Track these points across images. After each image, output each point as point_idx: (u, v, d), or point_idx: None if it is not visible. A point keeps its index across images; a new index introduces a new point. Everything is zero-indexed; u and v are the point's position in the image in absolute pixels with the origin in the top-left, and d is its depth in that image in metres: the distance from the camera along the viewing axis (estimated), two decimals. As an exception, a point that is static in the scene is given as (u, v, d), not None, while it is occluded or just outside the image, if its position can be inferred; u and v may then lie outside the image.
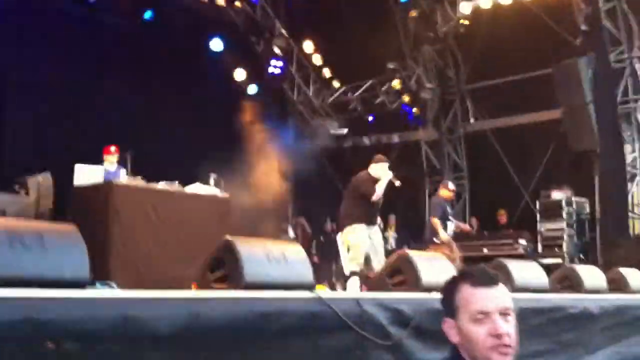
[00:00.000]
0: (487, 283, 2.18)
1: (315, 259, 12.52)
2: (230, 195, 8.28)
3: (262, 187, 10.60)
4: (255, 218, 9.33)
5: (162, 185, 7.59)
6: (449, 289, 2.24)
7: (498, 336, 2.10)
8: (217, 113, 13.44)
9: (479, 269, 2.27)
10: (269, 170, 12.72)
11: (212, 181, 8.92)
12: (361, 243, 7.74)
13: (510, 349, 2.11)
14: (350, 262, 7.74)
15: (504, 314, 2.14)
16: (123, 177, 8.06)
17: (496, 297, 2.16)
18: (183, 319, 3.02)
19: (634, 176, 12.73)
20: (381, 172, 7.94)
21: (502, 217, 13.60)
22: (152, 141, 11.05)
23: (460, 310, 2.17)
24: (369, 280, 7.04)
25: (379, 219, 8.51)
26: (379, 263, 7.63)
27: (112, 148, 8.69)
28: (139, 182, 7.63)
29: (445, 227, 9.85)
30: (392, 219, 14.17)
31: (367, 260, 7.74)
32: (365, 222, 7.84)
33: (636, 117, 12.97)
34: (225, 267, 3.92)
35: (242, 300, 3.40)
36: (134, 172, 8.30)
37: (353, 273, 7.56)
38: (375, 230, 8.06)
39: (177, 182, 7.89)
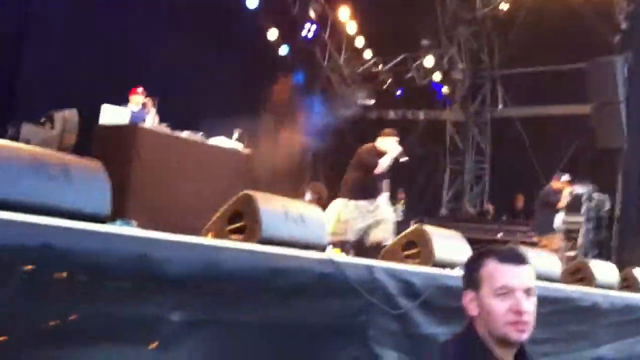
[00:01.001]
0: (514, 261, 2.20)
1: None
2: (252, 151, 8.29)
3: (284, 148, 10.60)
4: (275, 177, 9.33)
5: (186, 134, 7.61)
6: (475, 261, 2.26)
7: (519, 313, 2.13)
8: (247, 70, 13.39)
9: (507, 247, 2.29)
10: (293, 133, 12.72)
11: (235, 136, 8.94)
12: (353, 221, 7.56)
13: (528, 326, 2.16)
14: (333, 234, 7.39)
15: (527, 293, 2.17)
16: (149, 121, 8.08)
17: (522, 275, 2.19)
18: (197, 264, 3.03)
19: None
20: (389, 146, 7.76)
21: (519, 201, 13.54)
22: (180, 90, 11.03)
23: (484, 283, 2.19)
24: (383, 251, 7.04)
25: (386, 192, 8.32)
26: (381, 232, 7.54)
27: (139, 89, 8.69)
28: (163, 128, 7.66)
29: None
30: (402, 193, 14.14)
31: (366, 233, 7.60)
32: (362, 198, 7.68)
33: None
34: (242, 220, 3.94)
35: (257, 254, 3.41)
36: (159, 119, 8.32)
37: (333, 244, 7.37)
38: (376, 203, 7.81)
39: (201, 133, 7.91)
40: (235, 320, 3.22)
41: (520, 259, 2.22)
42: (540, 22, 13.75)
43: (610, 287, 6.11)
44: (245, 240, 3.77)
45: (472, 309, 2.24)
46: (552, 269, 5.65)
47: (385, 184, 8.29)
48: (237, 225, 3.97)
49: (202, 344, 3.03)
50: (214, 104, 11.38)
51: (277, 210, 4.00)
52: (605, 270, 6.36)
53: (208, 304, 3.09)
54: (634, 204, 12.05)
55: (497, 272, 2.19)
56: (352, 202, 7.66)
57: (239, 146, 8.36)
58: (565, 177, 10.42)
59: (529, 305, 2.16)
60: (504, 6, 14.66)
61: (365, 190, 7.74)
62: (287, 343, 3.52)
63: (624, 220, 12.22)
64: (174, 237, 3.08)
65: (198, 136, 7.70)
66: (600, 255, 11.50)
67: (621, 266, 6.80)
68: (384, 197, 8.08)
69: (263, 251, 3.50)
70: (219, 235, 3.97)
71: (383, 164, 7.67)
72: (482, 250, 2.31)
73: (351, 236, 7.54)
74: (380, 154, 7.74)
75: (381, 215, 7.78)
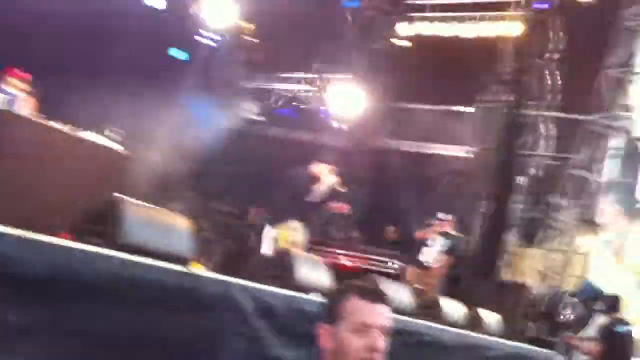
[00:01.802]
0: (375, 299, 2.25)
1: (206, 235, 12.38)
2: (129, 153, 8.04)
3: (164, 153, 10.38)
4: (149, 182, 9.13)
5: (55, 124, 7.25)
6: (336, 295, 2.29)
7: (373, 351, 2.17)
8: (136, 71, 12.95)
9: (370, 283, 2.33)
10: (175, 139, 12.48)
11: (109, 133, 8.62)
12: (301, 241, 7.47)
13: None
14: None
15: (383, 332, 2.22)
16: (20, 106, 7.69)
17: (381, 314, 2.24)
18: (43, 265, 2.91)
19: (512, 225, 13.36)
20: (324, 173, 7.73)
21: (390, 233, 13.88)
22: (57, 77, 10.52)
23: (343, 318, 2.22)
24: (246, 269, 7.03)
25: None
26: None
27: (17, 72, 8.31)
28: (32, 114, 7.30)
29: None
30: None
31: None
32: (299, 219, 7.60)
33: (529, 171, 13.62)
34: (104, 223, 3.84)
35: (115, 260, 3.33)
36: (33, 106, 7.95)
37: None
38: (305, 230, 7.76)
39: (72, 125, 7.57)
40: (81, 327, 3.10)
41: (381, 298, 2.27)
42: (434, 62, 14.29)
43: (456, 325, 6.39)
44: (104, 244, 3.67)
45: (326, 342, 2.25)
46: (405, 302, 5.85)
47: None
48: (98, 227, 3.87)
49: (40, 350, 2.90)
50: (93, 98, 10.93)
51: (141, 216, 3.93)
52: (453, 308, 6.65)
53: (53, 308, 2.97)
54: (488, 247, 12.71)
55: (357, 308, 2.22)
56: (296, 223, 7.54)
57: (113, 145, 8.10)
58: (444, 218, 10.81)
59: (383, 344, 2.20)
60: (401, 42, 15.16)
61: (303, 215, 7.66)
62: (135, 356, 3.45)
63: (477, 261, 12.83)
64: (21, 233, 2.93)
65: (69, 128, 7.37)
66: (451, 293, 11.99)
67: (468, 305, 7.12)
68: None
69: (120, 257, 3.42)
70: (76, 236, 3.85)
71: (317, 192, 7.66)
72: (345, 285, 2.33)
73: None
74: (315, 179, 7.71)
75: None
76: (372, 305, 2.23)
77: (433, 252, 10.19)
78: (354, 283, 2.35)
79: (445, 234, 10.24)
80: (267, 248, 7.83)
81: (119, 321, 3.29)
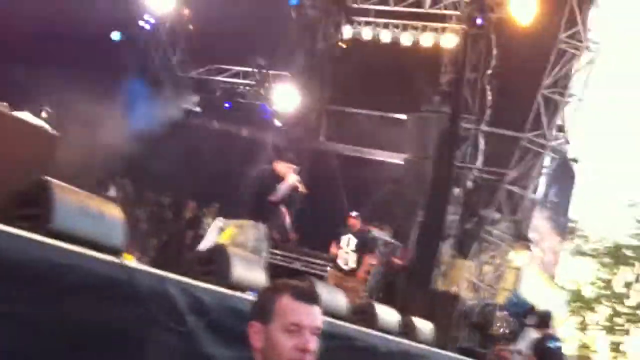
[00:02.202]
0: (308, 300, 2.21)
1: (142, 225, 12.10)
2: (61, 135, 7.73)
3: (98, 137, 10.07)
4: (82, 167, 8.81)
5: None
6: (269, 294, 2.23)
7: (304, 351, 2.14)
8: (72, 48, 12.54)
9: (303, 284, 2.28)
10: (110, 123, 12.12)
11: (44, 114, 8.32)
12: (248, 243, 7.17)
13: None
14: None
15: (314, 333, 2.17)
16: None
17: (313, 315, 2.21)
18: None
19: (448, 236, 13.57)
20: (287, 172, 7.47)
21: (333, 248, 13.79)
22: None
23: (275, 317, 2.17)
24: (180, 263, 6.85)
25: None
26: None
27: None
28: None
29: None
30: (214, 207, 13.99)
31: None
32: (258, 216, 7.35)
33: (466, 185, 13.85)
34: (34, 207, 3.63)
35: (45, 246, 3.15)
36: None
37: None
38: (262, 231, 7.48)
39: (5, 103, 7.24)
40: (6, 313, 2.94)
41: (314, 298, 2.24)
42: (374, 68, 14.38)
43: (390, 332, 6.38)
44: (33, 229, 3.46)
45: (257, 341, 2.22)
46: (339, 306, 5.79)
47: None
48: (27, 212, 3.66)
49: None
50: (28, 77, 10.53)
51: (74, 202, 3.74)
52: (387, 314, 6.64)
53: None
54: (423, 256, 12.84)
55: (290, 308, 2.18)
56: (247, 223, 7.28)
57: (46, 126, 7.78)
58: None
59: (314, 345, 2.18)
60: (342, 45, 15.21)
61: (257, 213, 7.37)
62: (57, 345, 3.27)
63: (412, 270, 12.98)
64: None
65: (2, 106, 7.03)
66: (385, 300, 12.07)
67: (402, 313, 7.14)
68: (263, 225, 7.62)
69: (50, 244, 3.24)
70: (4, 219, 3.63)
71: (279, 193, 7.35)
72: (278, 284, 2.30)
73: None
74: (277, 178, 7.40)
75: (266, 246, 7.56)
76: (305, 306, 2.21)
77: (345, 254, 10.00)
78: (288, 282, 2.31)
79: (354, 233, 10.11)
80: (209, 241, 7.65)
81: (44, 309, 3.12)
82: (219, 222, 7.70)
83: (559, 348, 8.72)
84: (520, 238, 13.25)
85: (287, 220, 8.70)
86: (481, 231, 13.33)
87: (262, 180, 7.57)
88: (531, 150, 13.43)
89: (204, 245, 7.73)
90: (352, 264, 10.26)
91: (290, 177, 7.51)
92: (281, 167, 7.61)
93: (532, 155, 13.47)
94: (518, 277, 13.63)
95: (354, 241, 10.25)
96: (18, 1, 11.21)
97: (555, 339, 8.83)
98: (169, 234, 12.45)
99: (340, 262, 10.25)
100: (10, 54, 10.55)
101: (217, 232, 7.59)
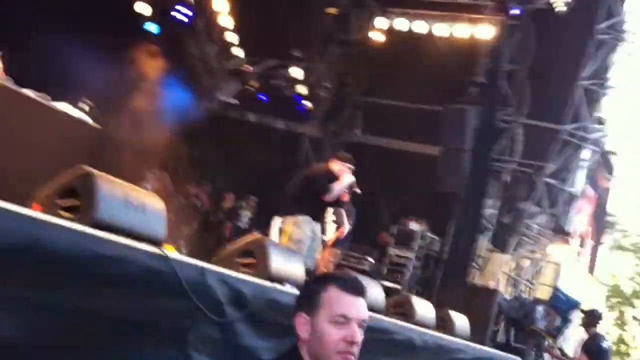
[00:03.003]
0: (355, 291, 2.22)
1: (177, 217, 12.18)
2: (103, 128, 7.84)
3: (138, 130, 10.16)
4: (123, 159, 8.88)
5: (29, 92, 7.03)
6: (316, 285, 2.23)
7: (351, 343, 2.15)
8: (109, 40, 12.66)
9: (350, 276, 2.28)
10: (149, 117, 12.24)
11: (84, 106, 8.41)
12: (305, 239, 7.17)
13: (355, 357, 2.15)
14: None
15: (361, 325, 2.17)
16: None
17: (360, 307, 2.21)
18: (19, 236, 2.77)
19: (486, 230, 13.44)
20: (341, 171, 7.40)
21: (383, 237, 13.68)
22: (34, 48, 10.22)
23: (322, 308, 2.18)
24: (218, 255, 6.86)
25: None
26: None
27: None
28: (5, 81, 7.03)
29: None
30: (252, 200, 14.09)
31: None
32: (311, 215, 7.29)
33: (504, 178, 13.69)
34: (77, 198, 3.68)
35: (88, 237, 3.19)
36: (5, 72, 7.67)
37: None
38: (318, 228, 7.49)
39: (45, 94, 7.35)
40: (51, 303, 2.99)
41: (361, 291, 2.26)
42: (410, 57, 14.27)
43: (427, 326, 6.35)
44: (78, 220, 3.51)
45: (303, 332, 2.23)
46: (377, 300, 5.78)
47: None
48: (71, 202, 3.70)
49: (8, 324, 2.78)
50: (68, 69, 10.62)
51: (116, 193, 3.77)
52: (424, 308, 6.61)
53: (22, 282, 2.84)
54: (461, 249, 12.75)
55: (337, 300, 2.19)
56: (302, 218, 7.23)
57: (88, 118, 7.89)
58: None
59: (360, 337, 2.19)
60: (378, 36, 15.11)
61: (313, 211, 7.34)
62: (102, 334, 3.33)
63: (449, 264, 12.89)
64: (-1, 204, 2.80)
65: (43, 96, 7.13)
66: (422, 293, 12.03)
67: (439, 307, 7.10)
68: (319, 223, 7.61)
69: (93, 234, 3.28)
70: (47, 209, 3.68)
71: (334, 192, 7.25)
72: (325, 275, 2.31)
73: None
74: (332, 177, 7.32)
75: (318, 246, 7.51)
76: (352, 298, 2.22)
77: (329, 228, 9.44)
78: (334, 274, 2.33)
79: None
80: (274, 237, 7.57)
81: (90, 299, 3.17)
82: (277, 221, 7.59)
83: (610, 348, 8.62)
84: (560, 232, 13.07)
85: (347, 222, 8.62)
86: (519, 225, 13.17)
87: (316, 178, 7.46)
88: (570, 142, 13.22)
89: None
90: (332, 234, 9.64)
91: (345, 177, 7.41)
92: (336, 166, 7.53)
93: (571, 148, 13.26)
94: (557, 272, 13.45)
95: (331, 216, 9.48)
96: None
97: (604, 338, 8.72)
98: (207, 225, 12.52)
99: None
100: (44, 37, 10.60)
101: (278, 233, 7.50)
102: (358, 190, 7.59)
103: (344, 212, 8.92)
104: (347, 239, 9.21)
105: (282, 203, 7.71)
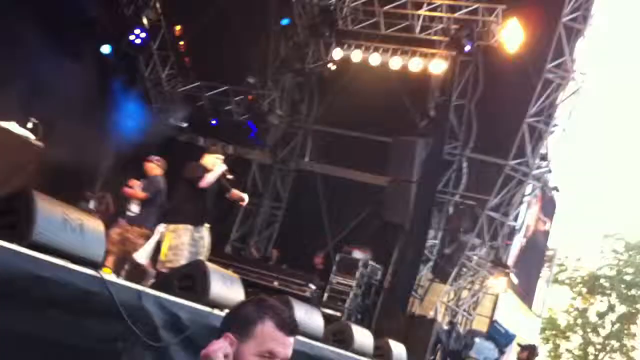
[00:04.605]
0: (289, 331, 2.24)
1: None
2: (45, 146, 7.75)
3: (82, 149, 10.05)
4: (63, 177, 8.78)
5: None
6: (252, 313, 2.24)
7: None
8: (60, 60, 12.53)
9: (287, 314, 2.29)
10: (95, 136, 12.10)
11: (30, 125, 8.32)
12: (183, 246, 7.35)
13: None
14: (165, 262, 7.29)
15: None
16: None
17: (289, 346, 2.26)
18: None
19: (427, 260, 13.62)
20: (215, 162, 7.71)
21: (319, 261, 13.77)
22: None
23: (252, 339, 2.19)
24: (157, 279, 6.85)
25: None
26: None
27: None
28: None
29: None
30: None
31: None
32: (190, 223, 7.49)
33: (447, 210, 13.93)
34: (14, 217, 3.65)
35: (23, 257, 3.18)
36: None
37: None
38: (201, 233, 7.64)
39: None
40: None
41: (293, 330, 2.27)
42: (361, 90, 14.47)
43: (365, 354, 6.42)
44: (14, 239, 3.48)
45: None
46: (317, 327, 5.83)
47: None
48: (7, 221, 3.67)
49: None
50: (15, 89, 10.47)
51: (56, 214, 3.76)
52: (363, 336, 6.68)
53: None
54: (402, 279, 12.86)
55: (271, 337, 2.20)
56: (181, 227, 7.43)
57: (32, 136, 7.80)
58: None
59: None
60: (332, 67, 15.32)
61: (194, 214, 7.53)
62: (33, 356, 3.29)
63: (390, 292, 12.99)
64: None
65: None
66: (362, 321, 12.09)
67: (378, 335, 7.16)
68: (206, 228, 7.80)
69: (29, 255, 3.26)
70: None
71: (210, 178, 7.53)
72: (263, 306, 2.29)
73: (184, 263, 7.10)
74: (206, 170, 7.62)
75: (204, 246, 7.62)
76: (285, 337, 2.23)
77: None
78: (273, 307, 2.31)
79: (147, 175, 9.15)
80: (147, 250, 7.75)
81: (23, 320, 3.14)
82: (161, 227, 7.77)
83: None
84: (499, 265, 13.31)
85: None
86: (460, 256, 13.38)
87: (191, 170, 7.71)
88: (514, 177, 13.53)
89: (142, 254, 7.79)
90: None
91: (218, 167, 7.69)
92: (209, 158, 7.80)
93: (514, 183, 13.56)
94: (495, 304, 13.68)
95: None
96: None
97: None
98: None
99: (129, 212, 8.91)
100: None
101: (158, 238, 7.67)
102: (230, 176, 7.87)
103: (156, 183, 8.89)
104: (152, 215, 8.89)
105: (167, 212, 7.90)
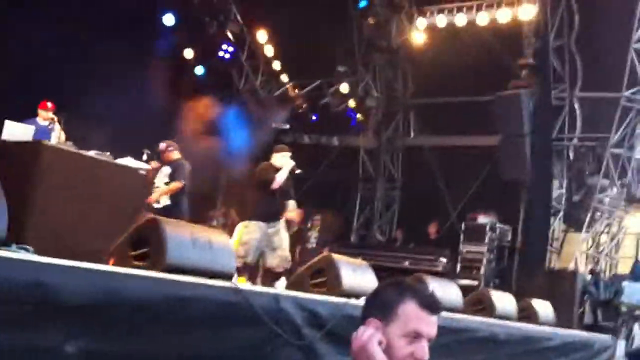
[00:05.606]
0: (433, 310, 2.23)
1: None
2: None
3: (197, 170, 10.41)
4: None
5: (92, 153, 7.37)
6: (394, 295, 2.24)
7: None
8: (160, 89, 13.12)
9: (428, 292, 2.29)
10: (205, 155, 12.53)
11: (144, 157, 8.72)
12: (252, 241, 7.60)
13: None
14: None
15: (429, 341, 2.20)
16: (54, 138, 7.80)
17: (434, 325, 2.23)
18: (94, 292, 2.92)
19: (557, 211, 13.15)
20: (283, 161, 7.92)
21: (433, 230, 13.71)
22: (89, 107, 10.65)
23: (396, 320, 2.19)
24: (290, 278, 7.00)
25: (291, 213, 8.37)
26: (276, 258, 7.63)
27: (49, 104, 8.48)
28: (69, 146, 7.39)
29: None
30: (317, 219, 14.17)
31: (262, 255, 7.67)
32: (263, 219, 7.72)
33: (568, 155, 13.39)
34: (147, 246, 3.84)
35: (162, 282, 3.33)
36: (66, 137, 8.06)
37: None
38: (277, 227, 7.82)
39: (108, 153, 7.68)
40: (133, 351, 3.11)
41: (437, 309, 2.25)
42: (453, 53, 14.15)
43: (509, 318, 6.28)
44: (150, 267, 3.67)
45: None
46: (455, 299, 5.77)
47: (291, 205, 8.29)
48: (142, 251, 3.87)
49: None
50: (124, 123, 11.04)
51: (184, 236, 3.92)
52: (504, 301, 6.54)
53: (106, 334, 2.98)
54: (534, 235, 12.50)
55: (415, 316, 2.19)
56: (253, 223, 7.71)
57: (148, 168, 8.17)
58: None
59: (428, 355, 2.19)
60: (419, 36, 15.07)
61: (267, 211, 7.79)
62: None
63: (524, 252, 12.65)
64: (71, 263, 2.96)
65: (105, 156, 7.46)
66: (501, 285, 11.84)
67: (520, 297, 7.00)
68: (282, 222, 8.00)
69: (166, 279, 3.42)
70: (121, 261, 3.85)
71: (279, 178, 7.76)
72: (404, 286, 2.28)
73: (251, 258, 7.55)
74: (276, 170, 7.85)
75: (279, 242, 7.79)
76: (429, 316, 2.21)
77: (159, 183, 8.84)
78: (413, 287, 2.30)
79: (168, 164, 8.95)
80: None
81: (170, 342, 3.29)
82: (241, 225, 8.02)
83: None
84: (634, 201, 12.66)
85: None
86: (591, 201, 12.83)
87: (261, 173, 7.98)
88: (632, 108, 12.83)
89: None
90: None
91: (286, 163, 7.89)
92: (277, 157, 7.98)
93: (634, 113, 12.87)
94: (639, 242, 13.02)
95: (167, 171, 8.93)
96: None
97: None
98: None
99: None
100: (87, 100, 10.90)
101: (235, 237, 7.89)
102: (299, 171, 7.99)
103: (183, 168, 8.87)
104: (184, 203, 8.77)
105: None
